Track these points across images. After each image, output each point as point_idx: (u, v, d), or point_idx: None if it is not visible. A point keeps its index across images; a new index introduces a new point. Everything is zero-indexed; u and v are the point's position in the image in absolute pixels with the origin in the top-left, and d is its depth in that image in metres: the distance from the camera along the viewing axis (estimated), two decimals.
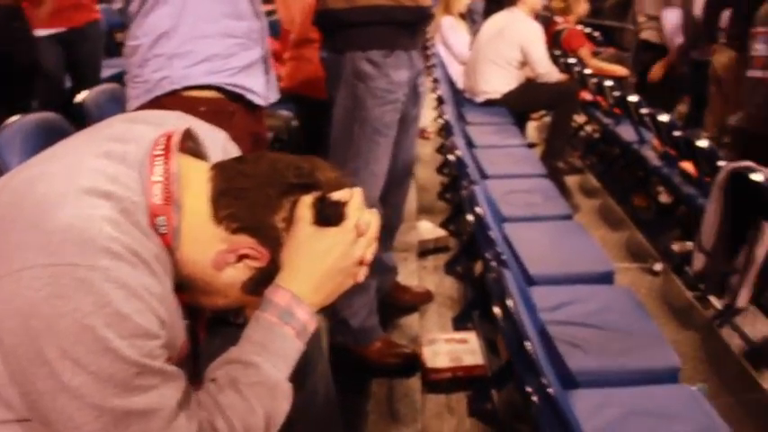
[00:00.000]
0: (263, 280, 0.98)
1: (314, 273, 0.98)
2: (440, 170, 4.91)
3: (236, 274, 0.98)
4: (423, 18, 2.23)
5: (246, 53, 1.76)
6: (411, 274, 3.09)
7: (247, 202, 0.95)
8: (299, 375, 1.34)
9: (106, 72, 4.39)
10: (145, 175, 0.93)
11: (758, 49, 3.75)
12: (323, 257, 0.98)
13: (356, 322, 2.38)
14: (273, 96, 1.89)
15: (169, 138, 0.97)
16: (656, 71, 5.27)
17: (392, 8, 2.12)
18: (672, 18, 5.28)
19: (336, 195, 0.99)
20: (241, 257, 0.96)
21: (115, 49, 5.56)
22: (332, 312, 2.41)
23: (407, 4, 2.14)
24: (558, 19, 6.57)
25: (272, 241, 0.96)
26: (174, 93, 1.70)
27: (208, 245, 0.96)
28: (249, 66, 1.78)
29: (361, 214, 1.00)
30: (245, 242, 0.95)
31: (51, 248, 0.82)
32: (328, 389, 1.44)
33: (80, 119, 2.59)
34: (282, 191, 0.96)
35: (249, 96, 1.78)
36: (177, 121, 1.06)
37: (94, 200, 0.87)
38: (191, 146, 1.04)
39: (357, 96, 2.16)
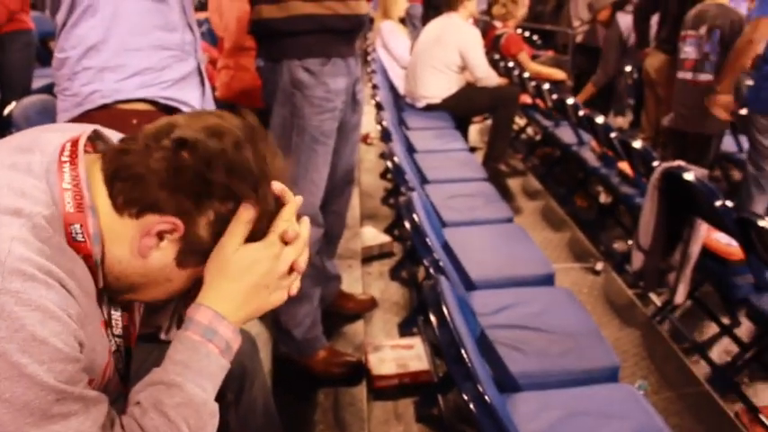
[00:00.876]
0: (192, 248, 0.94)
1: (237, 291, 0.96)
2: (383, 176, 4.91)
3: (165, 255, 0.94)
4: (358, 25, 2.22)
5: (180, 65, 1.73)
6: (356, 281, 3.08)
7: (133, 180, 0.91)
8: (237, 389, 1.33)
9: (39, 82, 4.27)
10: (53, 183, 0.89)
11: (687, 51, 3.87)
12: (246, 275, 0.95)
13: (300, 333, 2.36)
14: (209, 108, 1.86)
15: (75, 142, 0.93)
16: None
17: (327, 17, 2.11)
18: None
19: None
20: (159, 236, 0.92)
21: (48, 59, 5.44)
22: (275, 323, 2.39)
23: (342, 12, 2.13)
24: (497, 24, 6.66)
25: (178, 208, 0.91)
26: (104, 106, 1.66)
27: (124, 239, 0.92)
28: (183, 78, 1.75)
29: (289, 225, 0.98)
30: (153, 221, 0.91)
31: None
32: (267, 401, 1.43)
33: (8, 131, 2.51)
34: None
35: (184, 109, 1.75)
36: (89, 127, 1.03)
37: (2, 218, 0.83)
38: (101, 147, 1.00)
39: (294, 105, 2.14)
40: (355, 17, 2.18)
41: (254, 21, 2.17)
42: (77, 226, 0.89)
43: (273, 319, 2.41)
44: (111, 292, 0.99)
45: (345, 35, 2.19)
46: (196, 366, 0.94)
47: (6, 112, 2.58)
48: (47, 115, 2.71)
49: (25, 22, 3.91)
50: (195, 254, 0.95)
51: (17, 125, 2.54)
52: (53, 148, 0.93)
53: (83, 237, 0.90)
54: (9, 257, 0.80)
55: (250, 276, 0.96)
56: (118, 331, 1.04)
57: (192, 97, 1.78)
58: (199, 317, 0.95)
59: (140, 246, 0.92)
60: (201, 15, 4.69)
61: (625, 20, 5.28)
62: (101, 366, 0.96)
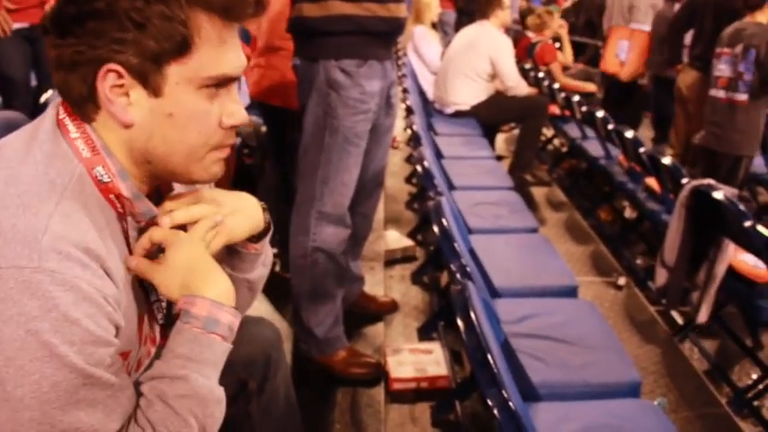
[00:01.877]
0: (146, 70, 0.90)
1: (201, 271, 0.97)
2: (408, 180, 4.92)
3: (140, 99, 0.91)
4: (397, 29, 2.23)
5: None
6: (377, 284, 3.09)
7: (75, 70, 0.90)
8: (261, 378, 1.34)
9: None
10: (62, 140, 0.91)
11: (721, 69, 3.84)
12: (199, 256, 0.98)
13: (321, 332, 2.37)
14: (243, 102, 1.87)
15: (63, 102, 0.95)
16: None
17: (366, 18, 2.11)
18: None
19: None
20: (118, 93, 0.90)
21: None
22: (296, 321, 2.40)
23: (382, 14, 2.13)
24: (530, 34, 6.66)
25: (100, 58, 0.88)
26: None
27: (119, 134, 0.93)
28: None
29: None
30: (101, 94, 0.90)
31: None
32: (289, 391, 1.45)
33: None
34: None
35: None
36: None
37: (40, 190, 0.85)
38: None
39: (329, 105, 2.15)
40: (394, 20, 2.18)
41: (294, 18, 2.18)
42: (100, 168, 0.91)
43: (294, 317, 2.43)
44: (167, 191, 1.03)
45: (383, 38, 2.20)
46: (199, 358, 0.95)
47: (43, 99, 2.63)
48: None
49: None
50: (153, 65, 0.90)
51: None
52: (51, 112, 0.95)
53: (108, 176, 0.92)
54: (46, 235, 0.81)
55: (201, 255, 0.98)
56: None
57: None
58: (196, 310, 0.95)
59: (121, 119, 0.91)
60: None
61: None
62: (135, 333, 0.98)
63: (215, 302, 0.95)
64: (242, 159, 3.10)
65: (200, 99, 0.93)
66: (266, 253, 1.22)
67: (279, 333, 1.40)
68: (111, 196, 0.93)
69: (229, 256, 1.15)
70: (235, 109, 0.99)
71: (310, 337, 2.38)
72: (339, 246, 2.31)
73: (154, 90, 0.91)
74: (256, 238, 1.14)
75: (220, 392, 0.97)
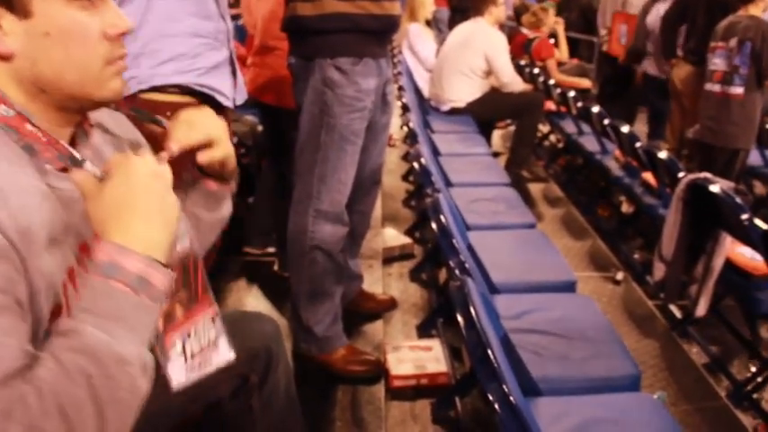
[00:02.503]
0: None
1: (131, 216, 0.88)
2: (405, 177, 4.92)
3: (13, 27, 0.89)
4: (391, 26, 2.23)
5: (213, 53, 1.76)
6: (376, 282, 3.09)
7: None
8: (263, 371, 1.34)
9: None
10: None
11: (716, 63, 3.84)
12: (129, 196, 0.89)
13: (320, 330, 2.37)
14: (240, 98, 1.88)
15: None
16: None
17: (360, 16, 2.12)
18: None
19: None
20: None
21: None
22: (295, 319, 2.40)
23: (376, 12, 2.14)
24: (526, 30, 6.67)
25: None
26: (142, 93, 1.70)
27: (4, 70, 0.91)
28: (216, 66, 1.78)
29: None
30: None
31: None
32: (289, 385, 1.45)
33: None
34: None
35: (218, 97, 1.78)
36: None
37: None
38: None
39: (325, 103, 2.15)
40: (388, 18, 2.19)
41: (288, 17, 2.18)
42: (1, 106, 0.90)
43: (293, 316, 2.43)
44: (72, 114, 0.98)
45: (378, 35, 2.20)
46: (96, 309, 0.83)
47: None
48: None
49: None
50: None
51: None
52: None
53: (10, 111, 0.90)
54: None
55: (133, 195, 0.89)
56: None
57: (225, 86, 1.81)
58: (98, 255, 0.85)
59: None
60: (233, 12, 4.73)
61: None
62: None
63: (122, 248, 0.85)
64: (239, 159, 3.10)
65: (73, 12, 0.91)
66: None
67: (278, 327, 1.40)
68: (23, 143, 0.90)
69: (204, 198, 1.17)
70: (115, 18, 0.95)
71: (310, 336, 2.38)
72: (337, 244, 2.31)
73: (22, 11, 0.88)
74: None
75: (125, 353, 0.82)
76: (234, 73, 1.86)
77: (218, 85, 1.78)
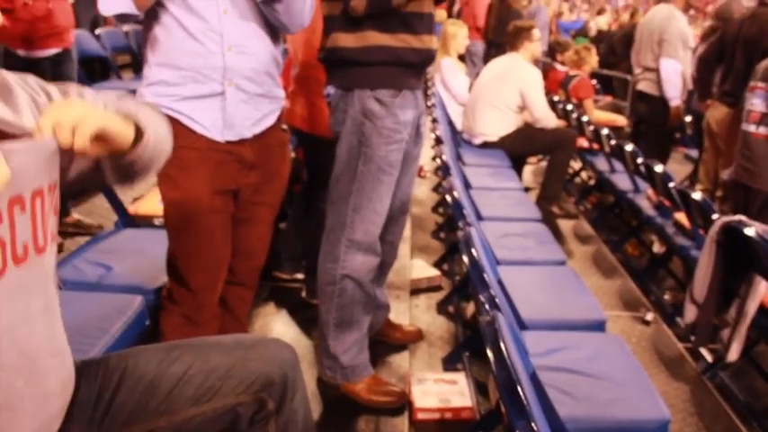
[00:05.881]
0: None
1: None
2: (435, 209, 4.93)
3: None
4: (429, 59, 2.26)
5: (196, 86, 1.85)
6: (402, 313, 3.09)
7: None
8: (279, 398, 1.34)
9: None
10: None
11: (755, 104, 3.80)
12: None
13: (347, 359, 2.37)
14: (231, 134, 1.91)
15: None
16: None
17: (401, 49, 2.15)
18: (667, 67, 5.38)
19: None
20: None
21: (117, 72, 5.65)
22: (323, 348, 2.41)
23: (416, 45, 2.17)
24: (561, 67, 6.69)
25: None
26: None
27: None
28: (197, 98, 1.86)
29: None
30: None
31: None
32: (307, 415, 1.45)
33: None
34: None
35: (191, 125, 1.86)
36: None
37: None
38: None
39: (363, 134, 2.17)
40: (427, 51, 2.22)
41: (329, 48, 2.21)
42: None
43: (321, 344, 2.43)
44: None
45: (416, 68, 2.23)
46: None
47: None
48: None
49: (67, 41, 4.07)
50: None
51: None
52: None
53: None
54: None
55: None
56: None
57: (204, 117, 1.87)
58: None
59: None
60: None
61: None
62: None
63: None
64: None
65: None
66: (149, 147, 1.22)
67: (296, 355, 1.40)
68: None
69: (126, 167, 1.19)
70: None
71: (336, 364, 2.38)
72: (368, 274, 2.32)
73: None
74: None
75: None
76: (225, 109, 1.89)
77: (194, 114, 1.86)
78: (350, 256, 2.27)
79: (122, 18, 1.86)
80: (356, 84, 2.17)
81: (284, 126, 2.10)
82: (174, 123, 1.84)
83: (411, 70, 2.21)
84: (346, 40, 2.14)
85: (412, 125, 2.26)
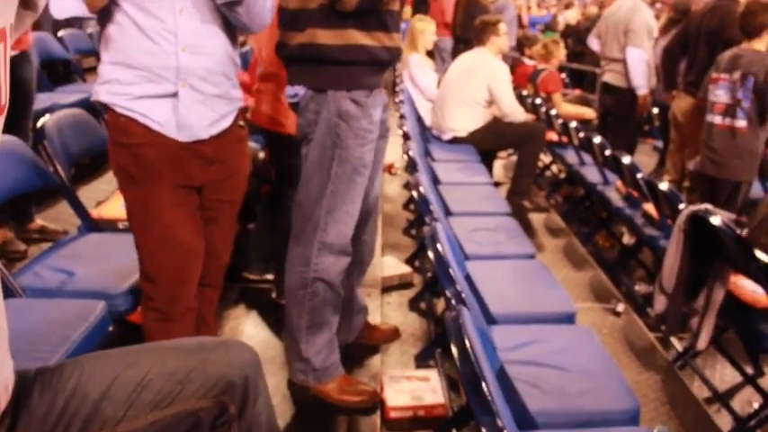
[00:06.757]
0: None
1: None
2: (406, 206, 4.91)
3: None
4: (397, 58, 2.25)
5: (149, 85, 1.83)
6: (374, 310, 3.06)
7: None
8: (241, 402, 1.31)
9: (71, 98, 4.37)
10: None
11: (718, 95, 3.85)
12: None
13: (318, 361, 2.34)
14: (186, 136, 1.88)
15: None
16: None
17: (376, 48, 2.12)
18: (634, 56, 5.43)
19: None
20: None
21: (82, 75, 5.56)
22: (294, 351, 2.37)
23: (388, 44, 2.14)
24: (529, 61, 6.71)
25: None
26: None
27: None
28: (150, 97, 1.84)
29: None
30: None
31: None
32: (271, 417, 1.41)
33: (40, 143, 2.57)
34: None
35: (144, 122, 1.85)
36: None
37: None
38: None
39: (339, 135, 2.13)
40: (396, 49, 2.21)
41: (303, 44, 2.12)
42: None
43: (291, 347, 2.40)
44: None
45: (386, 66, 2.22)
46: None
47: (39, 124, 2.64)
48: (79, 126, 2.78)
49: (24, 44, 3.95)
50: None
51: (49, 136, 2.60)
52: None
53: None
54: None
55: None
56: None
57: (158, 116, 1.86)
58: None
59: None
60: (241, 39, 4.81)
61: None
62: None
63: None
64: None
65: None
66: None
67: (257, 357, 1.37)
68: None
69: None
70: None
71: (308, 367, 2.35)
72: (338, 275, 2.30)
73: None
74: None
75: None
76: (178, 109, 1.87)
77: (147, 112, 1.85)
78: (322, 258, 2.24)
79: (75, 20, 1.84)
80: (331, 84, 2.11)
81: (241, 123, 2.07)
82: (130, 122, 1.84)
83: (381, 69, 2.19)
84: (325, 36, 2.08)
85: (380, 123, 2.25)
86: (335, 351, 2.40)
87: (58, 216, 3.74)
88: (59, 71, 5.65)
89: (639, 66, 5.44)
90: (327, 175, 2.17)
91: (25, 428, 1.11)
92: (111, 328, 2.08)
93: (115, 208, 2.94)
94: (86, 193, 3.23)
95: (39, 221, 3.59)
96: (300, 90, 2.21)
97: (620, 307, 3.56)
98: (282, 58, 2.26)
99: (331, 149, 2.15)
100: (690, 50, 4.67)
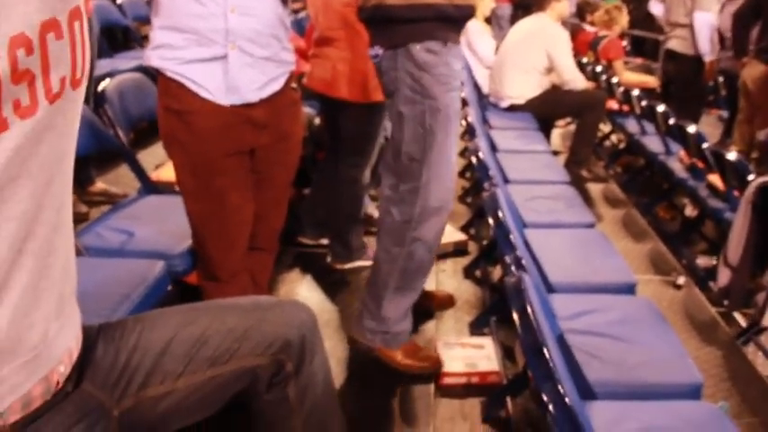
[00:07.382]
0: None
1: None
2: (462, 174, 4.86)
3: None
4: (469, 16, 2.25)
5: (199, 49, 1.82)
6: (430, 277, 3.04)
7: None
8: (298, 361, 1.32)
9: (131, 63, 4.43)
10: None
11: None
12: None
13: (394, 324, 2.35)
14: (236, 99, 1.87)
15: None
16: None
17: (445, 6, 2.14)
18: (701, 21, 5.22)
19: None
20: None
21: (140, 41, 5.63)
22: (370, 310, 2.37)
23: (458, 2, 2.16)
24: (589, 28, 6.52)
25: None
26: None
27: None
28: (200, 61, 1.83)
29: None
30: None
31: None
32: (327, 378, 1.42)
33: (101, 107, 2.61)
34: None
35: (193, 88, 1.84)
36: None
37: None
38: None
39: (424, 86, 2.14)
40: (468, 7, 2.21)
41: (373, 6, 2.17)
42: None
43: (368, 305, 2.38)
44: None
45: (458, 24, 2.22)
46: None
47: (100, 88, 2.68)
48: (138, 91, 2.81)
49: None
50: None
51: (110, 101, 2.64)
52: None
53: None
54: None
55: None
56: None
57: (208, 81, 1.85)
58: None
59: None
60: (296, 6, 4.79)
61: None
62: None
63: None
64: None
65: None
66: None
67: (314, 317, 1.37)
68: None
69: None
70: None
71: (381, 326, 2.35)
72: (437, 236, 2.29)
73: None
74: None
75: None
76: (228, 72, 1.85)
77: (198, 77, 1.84)
78: (424, 217, 2.23)
79: None
80: (406, 40, 2.13)
81: (294, 85, 2.06)
82: (181, 88, 1.85)
83: (453, 26, 2.19)
84: None
85: (460, 76, 2.25)
86: (410, 317, 2.40)
87: (117, 179, 3.81)
88: (118, 38, 5.74)
89: (707, 31, 5.23)
90: (422, 128, 2.17)
91: (91, 380, 1.13)
92: (169, 288, 2.12)
93: (173, 171, 2.97)
94: (145, 157, 3.27)
95: (100, 184, 3.66)
96: (380, 50, 2.24)
97: (681, 280, 3.47)
98: (362, 20, 2.27)
99: (421, 102, 2.16)
100: (763, 15, 4.47)
